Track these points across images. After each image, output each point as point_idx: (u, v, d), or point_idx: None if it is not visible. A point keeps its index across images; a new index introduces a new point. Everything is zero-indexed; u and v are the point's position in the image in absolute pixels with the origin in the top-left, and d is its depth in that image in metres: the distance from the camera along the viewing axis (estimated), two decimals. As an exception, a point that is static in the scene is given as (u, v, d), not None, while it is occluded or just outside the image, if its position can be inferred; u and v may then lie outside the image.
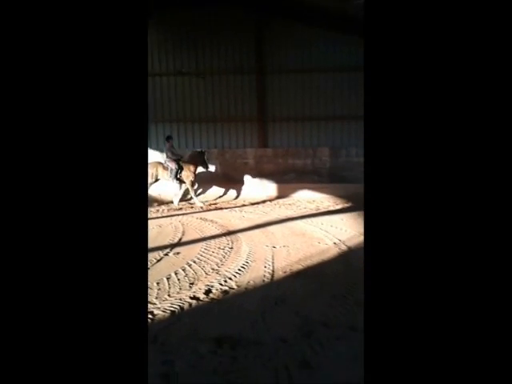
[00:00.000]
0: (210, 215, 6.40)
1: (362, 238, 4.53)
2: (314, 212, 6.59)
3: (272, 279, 3.14)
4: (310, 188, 8.58)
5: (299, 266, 3.48)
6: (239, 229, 5.19)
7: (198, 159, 8.09)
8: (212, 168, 8.45)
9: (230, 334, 2.18)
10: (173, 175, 7.98)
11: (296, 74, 9.93)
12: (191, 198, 8.18)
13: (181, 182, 8.04)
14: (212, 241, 4.51)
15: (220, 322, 2.35)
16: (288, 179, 9.31)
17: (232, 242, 4.43)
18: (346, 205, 7.14)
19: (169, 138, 8.20)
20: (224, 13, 9.75)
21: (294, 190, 8.64)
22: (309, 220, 5.78)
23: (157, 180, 8.09)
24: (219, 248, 4.17)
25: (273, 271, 3.34)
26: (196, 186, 8.45)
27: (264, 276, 3.22)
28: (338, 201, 7.61)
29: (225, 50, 9.96)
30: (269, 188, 8.88)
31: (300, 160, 9.61)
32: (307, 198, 8.11)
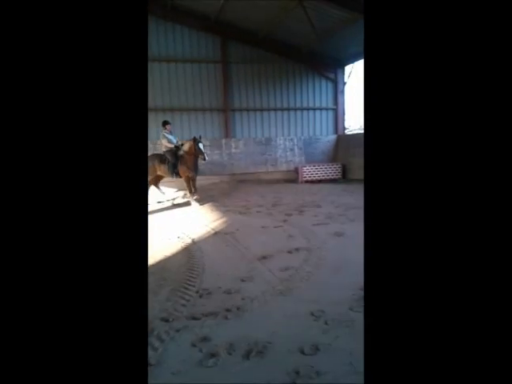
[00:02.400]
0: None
1: (206, 229, 4.73)
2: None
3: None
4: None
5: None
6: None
7: (195, 149, 6.66)
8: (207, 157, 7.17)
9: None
10: (170, 169, 6.84)
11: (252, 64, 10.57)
12: (184, 195, 7.26)
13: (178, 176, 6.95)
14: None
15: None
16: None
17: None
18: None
19: (165, 123, 7.08)
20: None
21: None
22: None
23: (159, 177, 7.13)
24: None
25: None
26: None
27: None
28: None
29: (188, 37, 9.86)
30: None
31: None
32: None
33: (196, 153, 6.64)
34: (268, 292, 2.68)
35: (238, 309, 2.42)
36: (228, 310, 2.41)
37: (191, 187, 6.94)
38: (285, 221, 5.12)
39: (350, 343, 1.94)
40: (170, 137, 7.01)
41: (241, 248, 3.86)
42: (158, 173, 7.04)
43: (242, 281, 2.92)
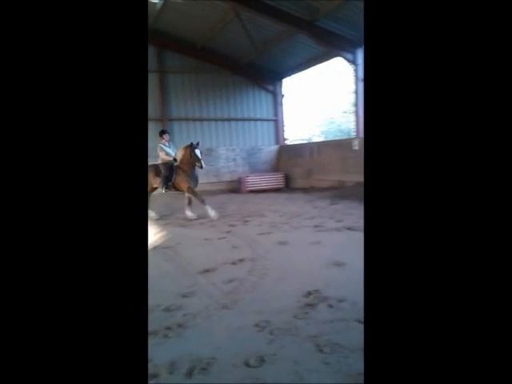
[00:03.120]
0: None
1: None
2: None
3: None
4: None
5: None
6: None
7: (191, 156, 6.14)
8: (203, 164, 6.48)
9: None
10: (163, 182, 6.30)
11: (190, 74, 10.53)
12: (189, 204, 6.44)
13: (176, 190, 6.43)
14: None
15: None
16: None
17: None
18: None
19: (162, 133, 6.59)
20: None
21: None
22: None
23: (153, 191, 6.67)
24: None
25: None
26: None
27: None
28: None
29: None
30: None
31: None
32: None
33: (192, 160, 6.13)
34: (211, 306, 2.59)
35: (179, 326, 2.31)
36: (168, 328, 2.28)
37: (198, 196, 6.27)
38: (229, 232, 5.06)
39: (296, 352, 1.92)
40: (168, 149, 6.46)
41: (182, 262, 3.73)
42: (154, 185, 6.54)
43: (184, 296, 2.80)
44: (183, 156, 6.22)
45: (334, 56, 9.21)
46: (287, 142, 13.15)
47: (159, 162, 6.48)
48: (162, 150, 6.38)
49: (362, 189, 6.90)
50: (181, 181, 6.26)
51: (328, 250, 3.85)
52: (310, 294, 2.67)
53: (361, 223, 4.75)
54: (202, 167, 6.16)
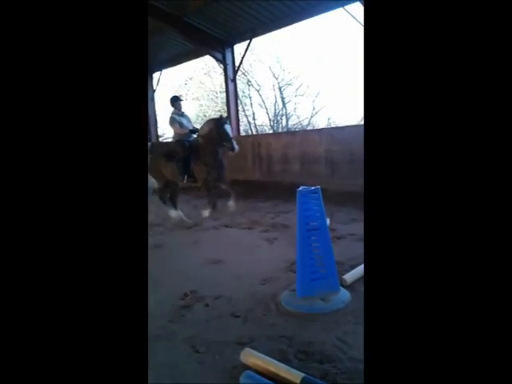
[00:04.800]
0: None
1: None
2: None
3: None
4: None
5: None
6: None
7: (218, 134, 4.52)
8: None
9: None
10: (180, 169, 4.66)
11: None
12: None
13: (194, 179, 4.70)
14: None
15: None
16: None
17: None
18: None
19: (175, 100, 5.03)
20: None
21: None
22: None
23: (168, 184, 4.93)
24: None
25: None
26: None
27: None
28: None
29: None
30: None
31: None
32: None
33: (219, 139, 4.53)
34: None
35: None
36: None
37: (211, 198, 4.71)
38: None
39: (172, 356, 1.91)
40: (182, 119, 4.94)
41: None
42: (166, 175, 4.82)
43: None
44: (207, 133, 4.63)
45: (204, 54, 9.34)
46: (161, 140, 12.85)
47: (172, 139, 5.01)
48: (175, 122, 4.85)
49: (242, 186, 7.18)
50: (197, 167, 4.65)
51: (205, 248, 3.91)
52: (186, 295, 2.68)
53: (238, 220, 4.96)
54: (233, 149, 4.52)
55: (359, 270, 2.74)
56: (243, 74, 14.18)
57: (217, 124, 4.57)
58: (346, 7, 6.36)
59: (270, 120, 15.92)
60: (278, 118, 15.74)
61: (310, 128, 12.91)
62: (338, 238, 3.89)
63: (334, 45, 18.05)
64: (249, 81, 15.62)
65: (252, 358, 1.73)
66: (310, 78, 14.25)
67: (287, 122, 15.52)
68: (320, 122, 14.10)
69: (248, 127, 16.19)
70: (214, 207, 4.78)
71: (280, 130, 14.92)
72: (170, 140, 5.20)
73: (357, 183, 4.63)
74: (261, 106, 15.93)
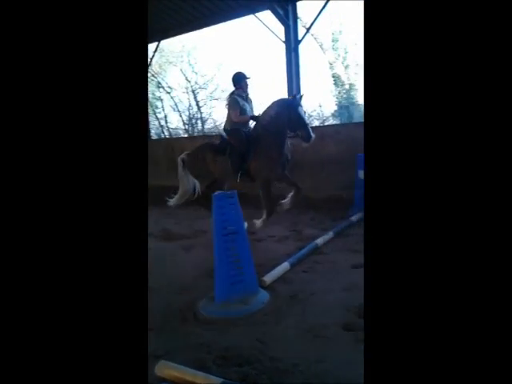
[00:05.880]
0: None
1: None
2: None
3: None
4: None
5: None
6: None
7: (289, 119, 3.44)
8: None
9: None
10: (235, 164, 3.52)
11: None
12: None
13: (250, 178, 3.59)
14: None
15: None
16: None
17: None
18: None
19: (240, 78, 3.71)
20: None
21: None
22: None
23: (214, 185, 3.73)
24: None
25: None
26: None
27: None
28: None
29: None
30: None
31: None
32: None
33: (291, 125, 3.53)
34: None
35: None
36: None
37: (269, 203, 3.67)
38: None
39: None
40: (246, 104, 3.79)
41: None
42: (214, 173, 3.81)
43: None
44: (273, 118, 3.60)
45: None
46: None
47: (226, 128, 3.90)
48: (235, 107, 3.72)
49: (155, 192, 6.86)
50: (256, 163, 3.60)
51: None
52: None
53: (150, 228, 4.75)
54: (309, 138, 3.52)
55: (278, 270, 2.84)
56: (152, 75, 13.79)
57: (288, 106, 3.58)
58: (256, 14, 6.55)
59: (184, 123, 15.68)
60: (193, 121, 15.59)
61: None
62: (258, 240, 3.97)
63: (247, 50, 18.53)
64: (159, 83, 15.24)
65: (167, 369, 1.69)
66: (224, 82, 14.30)
67: (203, 125, 15.44)
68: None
69: (160, 130, 15.76)
70: (270, 214, 3.78)
71: (196, 134, 14.79)
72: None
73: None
74: (174, 109, 15.63)
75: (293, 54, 6.36)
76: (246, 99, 3.92)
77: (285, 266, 2.93)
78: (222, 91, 14.34)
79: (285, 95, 6.62)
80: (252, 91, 4.03)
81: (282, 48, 6.46)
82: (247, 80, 3.88)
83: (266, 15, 6.49)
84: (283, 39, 6.39)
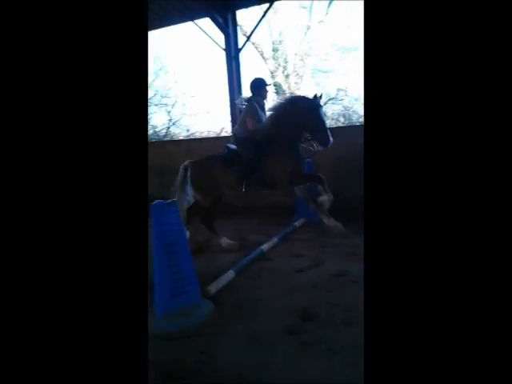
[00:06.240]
0: None
1: None
2: None
3: None
4: None
5: None
6: None
7: (310, 121, 3.06)
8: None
9: None
10: (242, 174, 3.28)
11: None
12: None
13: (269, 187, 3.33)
14: None
15: None
16: None
17: None
18: None
19: (260, 85, 3.48)
20: None
21: None
22: None
23: (217, 200, 3.62)
24: None
25: None
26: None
27: None
28: None
29: None
30: None
31: None
32: None
33: (311, 128, 3.21)
34: None
35: None
36: None
37: (310, 179, 3.41)
38: None
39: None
40: (261, 113, 3.49)
41: None
42: (224, 186, 3.52)
43: None
44: (290, 118, 3.26)
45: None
46: None
47: (237, 136, 3.55)
48: (254, 115, 3.45)
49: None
50: (274, 168, 3.29)
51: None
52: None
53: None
54: (327, 143, 3.20)
55: (223, 279, 2.81)
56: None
57: (309, 106, 3.22)
58: (195, 21, 6.53)
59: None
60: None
61: (167, 139, 12.71)
62: (203, 249, 3.91)
63: (187, 56, 18.37)
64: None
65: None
66: (164, 87, 13.99)
67: (143, 132, 14.98)
68: (178, 133, 13.98)
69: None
70: (322, 182, 3.29)
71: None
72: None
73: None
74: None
75: (233, 61, 6.40)
76: (263, 109, 3.67)
77: (230, 274, 2.92)
78: (162, 97, 14.08)
79: (227, 102, 6.65)
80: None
81: (222, 55, 6.49)
82: (267, 86, 3.65)
83: (206, 22, 6.49)
84: (223, 47, 6.41)
